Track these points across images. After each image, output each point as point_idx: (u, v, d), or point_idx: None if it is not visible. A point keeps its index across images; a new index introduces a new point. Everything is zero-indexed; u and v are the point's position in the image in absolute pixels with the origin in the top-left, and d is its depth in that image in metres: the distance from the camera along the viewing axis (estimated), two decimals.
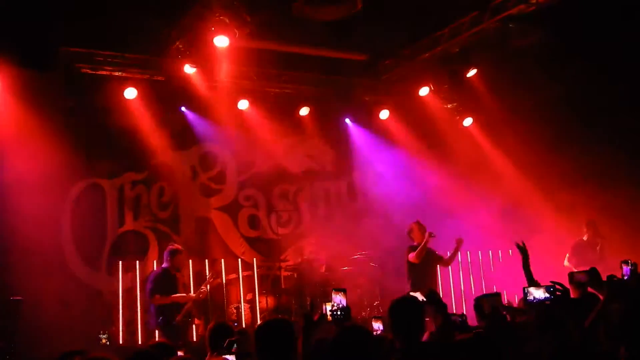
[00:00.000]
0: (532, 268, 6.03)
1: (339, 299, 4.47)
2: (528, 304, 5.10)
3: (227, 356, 4.79)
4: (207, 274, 10.24)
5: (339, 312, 4.44)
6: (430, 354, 4.53)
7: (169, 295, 9.15)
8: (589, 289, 5.69)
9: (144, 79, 11.23)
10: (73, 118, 10.87)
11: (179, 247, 9.74)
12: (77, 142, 10.93)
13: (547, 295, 4.75)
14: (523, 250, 6.20)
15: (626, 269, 5.79)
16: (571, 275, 6.18)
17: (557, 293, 4.60)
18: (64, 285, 10.62)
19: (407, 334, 4.60)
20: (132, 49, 10.88)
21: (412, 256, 10.10)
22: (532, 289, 4.98)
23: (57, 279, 10.56)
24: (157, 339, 9.00)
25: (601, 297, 4.91)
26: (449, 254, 10.47)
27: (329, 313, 4.65)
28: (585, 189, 11.54)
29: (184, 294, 9.37)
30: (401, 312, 4.66)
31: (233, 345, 4.94)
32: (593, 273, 5.38)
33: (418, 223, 10.40)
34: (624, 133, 11.23)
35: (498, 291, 5.72)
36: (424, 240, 9.99)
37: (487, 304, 5.47)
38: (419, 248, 10.02)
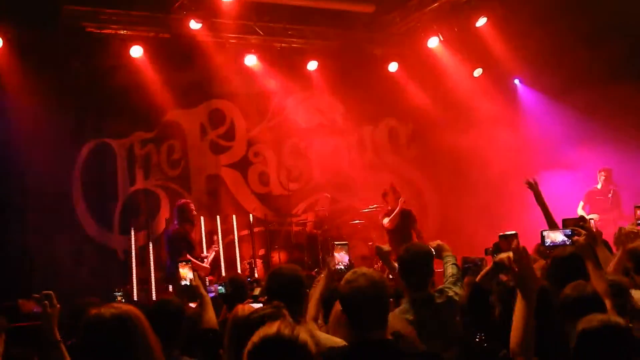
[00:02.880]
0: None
1: (340, 256, 4.46)
2: (547, 248, 5.00)
3: (253, 304, 4.81)
4: (219, 232, 10.37)
5: (342, 268, 4.45)
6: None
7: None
8: None
9: (150, 37, 11.13)
10: (80, 78, 10.82)
11: (187, 200, 9.83)
12: (85, 102, 10.96)
13: (566, 238, 4.64)
14: (534, 188, 6.19)
15: None
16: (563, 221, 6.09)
17: (575, 237, 4.49)
18: (77, 244, 10.75)
19: (415, 283, 4.65)
20: (136, 6, 10.76)
21: (385, 222, 10.21)
22: (549, 232, 4.88)
23: (70, 239, 10.69)
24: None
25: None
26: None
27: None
28: (606, 134, 11.33)
29: (202, 264, 9.52)
30: (410, 261, 4.66)
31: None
32: (581, 220, 5.25)
33: (393, 188, 10.45)
34: None
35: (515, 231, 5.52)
36: (398, 206, 10.03)
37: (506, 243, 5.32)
38: (392, 215, 10.05)
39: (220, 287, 5.85)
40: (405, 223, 10.30)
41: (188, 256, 9.06)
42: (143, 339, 2.77)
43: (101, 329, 2.75)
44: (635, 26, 10.65)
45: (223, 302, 5.78)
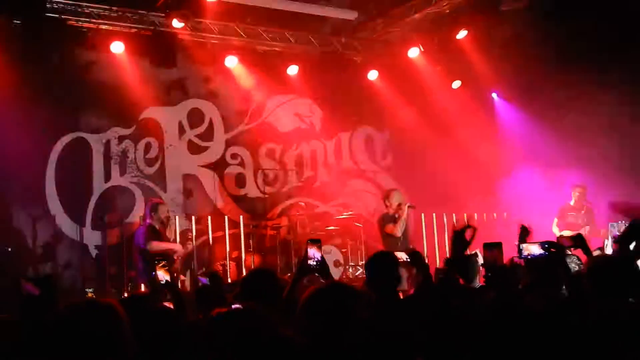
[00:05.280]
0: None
1: (312, 252, 4.49)
2: (524, 260, 5.15)
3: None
4: (194, 230, 10.33)
5: (314, 264, 4.48)
6: (403, 309, 4.67)
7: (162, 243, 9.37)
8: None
9: (131, 33, 11.06)
10: (59, 71, 10.75)
11: (160, 199, 9.83)
12: (63, 96, 10.84)
13: (542, 251, 4.80)
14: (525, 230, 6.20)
15: (614, 232, 5.88)
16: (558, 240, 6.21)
17: (552, 250, 4.64)
18: (48, 238, 10.65)
19: (382, 287, 4.79)
20: (119, 2, 10.71)
21: (390, 228, 9.58)
22: (527, 245, 5.02)
23: (42, 233, 10.58)
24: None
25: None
26: None
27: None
28: (578, 149, 11.50)
29: (175, 244, 9.64)
30: (376, 266, 4.94)
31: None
32: (578, 238, 5.38)
33: (398, 191, 10.03)
34: (619, 89, 11.09)
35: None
36: (404, 213, 9.59)
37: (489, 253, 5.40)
38: (399, 222, 9.56)
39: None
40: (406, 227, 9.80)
41: (154, 243, 9.08)
42: (124, 332, 2.72)
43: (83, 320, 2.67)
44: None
45: (200, 299, 5.71)
